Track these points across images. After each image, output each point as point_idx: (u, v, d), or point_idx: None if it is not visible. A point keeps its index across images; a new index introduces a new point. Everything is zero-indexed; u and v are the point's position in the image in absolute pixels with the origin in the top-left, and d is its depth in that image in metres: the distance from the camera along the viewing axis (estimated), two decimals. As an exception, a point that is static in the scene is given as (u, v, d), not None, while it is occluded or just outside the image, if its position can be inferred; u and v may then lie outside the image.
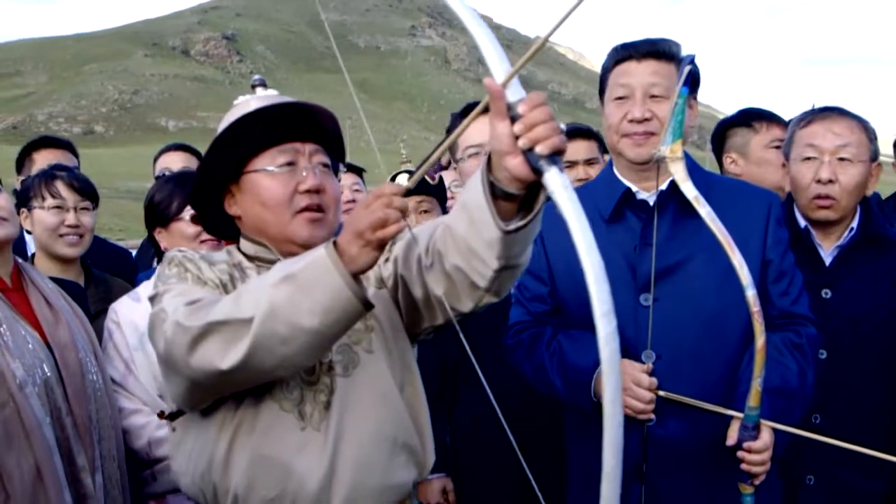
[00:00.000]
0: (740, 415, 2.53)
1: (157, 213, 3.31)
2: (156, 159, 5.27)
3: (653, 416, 2.66)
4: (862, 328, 3.15)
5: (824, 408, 3.03)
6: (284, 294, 1.89)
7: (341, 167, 3.39)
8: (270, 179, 2.23)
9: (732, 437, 2.57)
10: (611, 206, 2.82)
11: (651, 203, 2.80)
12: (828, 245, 3.26)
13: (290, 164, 2.24)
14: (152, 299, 2.17)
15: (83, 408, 2.85)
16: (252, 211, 2.26)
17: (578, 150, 4.13)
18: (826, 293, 3.15)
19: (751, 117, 4.21)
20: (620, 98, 2.80)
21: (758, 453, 2.55)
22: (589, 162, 4.08)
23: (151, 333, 2.14)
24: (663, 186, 2.77)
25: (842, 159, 3.19)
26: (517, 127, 1.63)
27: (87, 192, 3.73)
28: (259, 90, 2.36)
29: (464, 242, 1.91)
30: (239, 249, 2.34)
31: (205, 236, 3.23)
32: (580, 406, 2.75)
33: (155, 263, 3.60)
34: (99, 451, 2.87)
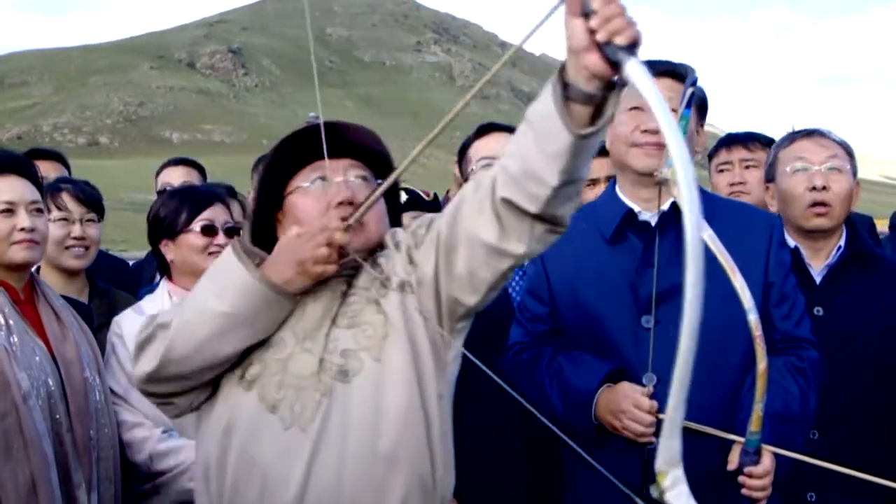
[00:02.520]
0: (741, 439, 2.53)
1: (164, 226, 3.32)
2: (157, 174, 5.27)
3: (653, 439, 2.65)
4: (855, 345, 3.16)
5: (821, 425, 3.03)
6: (198, 287, 2.23)
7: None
8: (305, 197, 2.28)
9: (733, 461, 2.56)
10: (612, 227, 2.82)
11: (653, 224, 2.80)
12: (817, 264, 3.29)
13: (322, 179, 2.26)
14: None
15: (84, 425, 2.84)
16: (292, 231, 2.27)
17: (601, 167, 4.11)
18: (818, 311, 3.17)
19: (745, 139, 4.32)
20: (634, 108, 2.80)
21: (759, 478, 2.54)
22: (609, 179, 4.07)
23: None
24: (665, 207, 2.77)
25: (832, 169, 3.26)
26: (594, 21, 1.62)
27: (93, 204, 3.75)
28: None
29: (518, 165, 1.87)
30: None
31: (213, 248, 3.25)
32: (580, 428, 2.75)
33: (158, 277, 3.60)
34: (97, 470, 2.86)
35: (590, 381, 2.70)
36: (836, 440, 3.02)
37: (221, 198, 3.44)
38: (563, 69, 1.76)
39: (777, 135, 3.93)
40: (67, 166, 4.89)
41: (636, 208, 2.85)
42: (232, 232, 3.34)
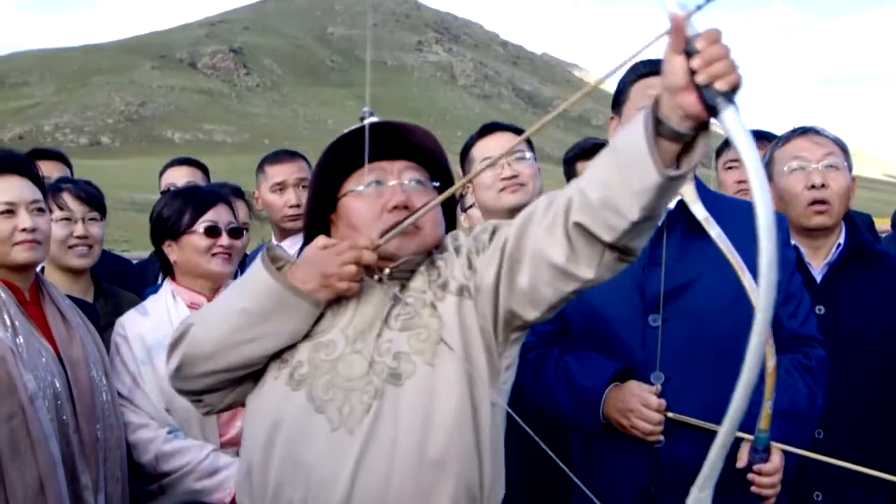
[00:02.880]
0: (750, 437, 2.52)
1: (168, 227, 3.31)
2: (161, 174, 5.26)
3: (661, 437, 2.65)
4: (859, 343, 3.17)
5: (826, 423, 3.01)
6: (228, 288, 2.29)
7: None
8: (358, 200, 2.24)
9: (743, 459, 2.56)
10: None
11: (660, 222, 2.80)
12: (817, 263, 3.30)
13: (377, 182, 2.23)
14: None
15: (91, 426, 2.84)
16: (345, 235, 2.25)
17: None
18: (819, 309, 3.16)
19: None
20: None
21: (768, 476, 2.54)
22: None
23: None
24: (671, 205, 2.77)
25: (829, 167, 3.27)
26: (695, 62, 1.58)
27: (95, 202, 3.74)
28: (367, 120, 2.30)
29: (598, 193, 1.82)
30: None
31: (217, 249, 3.24)
32: (587, 427, 2.74)
33: (160, 278, 3.60)
34: (103, 471, 2.86)
35: (597, 379, 2.70)
36: (841, 438, 3.02)
37: (225, 198, 3.43)
38: (656, 104, 1.71)
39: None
40: (69, 166, 4.88)
41: None
42: (236, 233, 3.33)
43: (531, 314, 2.09)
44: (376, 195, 2.23)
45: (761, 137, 4.30)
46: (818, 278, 3.28)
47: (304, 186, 4.60)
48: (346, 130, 2.26)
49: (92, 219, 3.70)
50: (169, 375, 2.36)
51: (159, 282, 3.63)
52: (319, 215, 2.34)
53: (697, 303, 2.71)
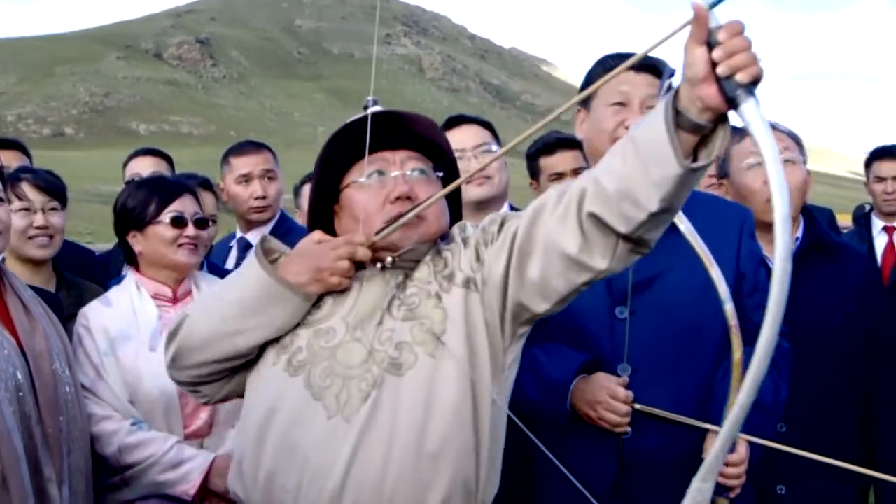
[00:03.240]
0: (717, 428, 2.53)
1: (133, 217, 3.27)
2: (125, 164, 5.21)
3: (629, 429, 2.66)
4: (819, 336, 3.19)
5: (789, 417, 3.04)
6: (223, 280, 2.30)
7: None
8: (361, 192, 2.23)
9: (709, 450, 2.57)
10: None
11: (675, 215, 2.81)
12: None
13: (379, 173, 2.22)
14: None
15: (54, 418, 2.80)
16: (348, 227, 2.26)
17: (566, 160, 4.11)
18: None
19: None
20: (618, 104, 2.80)
21: (734, 466, 2.56)
22: (577, 171, 4.06)
23: None
24: None
25: (786, 161, 3.26)
26: (717, 53, 1.58)
27: (55, 192, 3.69)
28: (371, 110, 2.28)
29: (615, 185, 1.81)
30: None
31: (183, 240, 3.21)
32: (555, 418, 2.74)
33: (125, 270, 3.56)
34: (67, 463, 2.82)
35: (565, 371, 2.70)
36: (804, 432, 3.04)
37: (191, 189, 3.40)
38: (676, 95, 1.71)
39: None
40: (29, 156, 4.83)
41: None
42: (202, 224, 3.30)
43: (541, 306, 2.09)
44: (379, 186, 2.22)
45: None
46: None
47: (270, 178, 4.59)
48: (348, 120, 2.24)
49: (52, 209, 3.65)
50: (166, 365, 2.38)
51: (124, 273, 3.60)
52: (323, 207, 2.34)
53: (665, 295, 2.72)
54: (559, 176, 4.02)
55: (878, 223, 6.30)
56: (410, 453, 2.03)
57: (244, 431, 2.23)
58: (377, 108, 2.25)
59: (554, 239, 1.96)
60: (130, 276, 3.34)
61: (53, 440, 2.78)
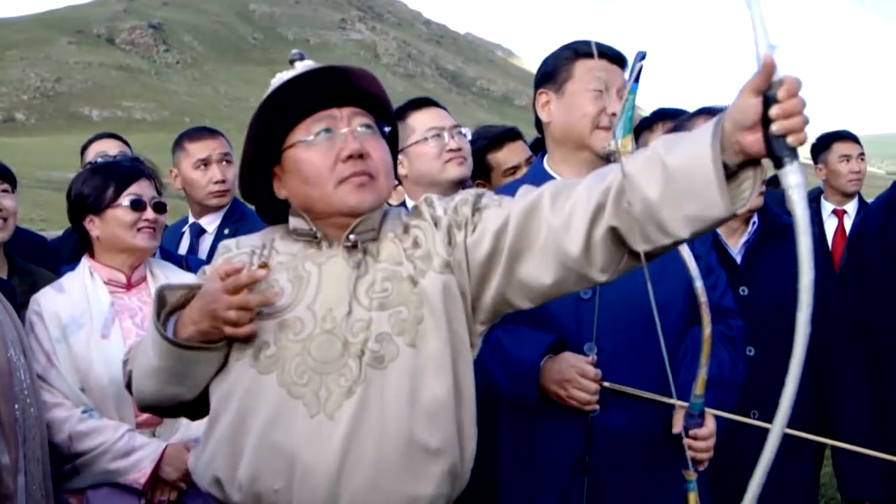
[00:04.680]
0: (684, 403, 2.57)
1: (90, 202, 3.21)
2: (84, 148, 5.11)
3: (597, 407, 2.68)
4: (782, 318, 3.21)
5: (761, 403, 3.08)
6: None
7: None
8: (309, 151, 2.11)
9: (678, 424, 2.61)
10: None
11: None
12: (734, 242, 3.33)
13: (327, 130, 2.11)
14: None
15: (9, 406, 2.75)
16: (298, 190, 2.14)
17: (517, 152, 4.07)
18: (743, 290, 3.20)
19: (656, 117, 4.22)
20: (598, 90, 2.83)
21: (703, 440, 2.60)
22: (529, 161, 4.00)
23: None
24: None
25: None
26: (774, 110, 1.55)
27: (4, 175, 3.62)
28: (298, 64, 2.17)
29: (642, 206, 1.75)
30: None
31: (142, 223, 3.17)
32: (524, 400, 2.76)
33: (85, 259, 3.51)
34: (23, 451, 2.78)
35: (532, 352, 2.71)
36: (771, 411, 3.07)
37: (146, 173, 3.35)
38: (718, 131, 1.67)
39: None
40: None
41: None
42: (160, 207, 3.26)
43: (525, 304, 2.06)
44: (328, 144, 2.10)
45: (667, 115, 4.22)
46: (738, 259, 3.32)
47: (227, 161, 4.53)
48: (285, 78, 2.13)
49: (3, 191, 3.59)
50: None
51: (78, 260, 3.55)
52: (259, 172, 2.21)
53: (628, 275, 2.74)
54: (514, 170, 3.98)
55: (827, 206, 6.33)
56: (401, 447, 1.98)
57: (212, 430, 2.11)
58: (309, 63, 2.17)
59: (554, 245, 1.91)
60: (84, 262, 3.28)
61: (9, 429, 2.73)
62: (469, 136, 3.67)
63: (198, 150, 4.53)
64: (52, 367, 3.08)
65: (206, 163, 4.49)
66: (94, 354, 3.08)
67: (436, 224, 2.11)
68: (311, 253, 2.16)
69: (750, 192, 1.69)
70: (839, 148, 6.27)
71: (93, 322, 3.12)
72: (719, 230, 3.33)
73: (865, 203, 6.19)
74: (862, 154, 6.34)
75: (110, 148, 4.91)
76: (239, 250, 2.22)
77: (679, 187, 1.70)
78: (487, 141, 4.09)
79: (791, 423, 3.00)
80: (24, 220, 4.12)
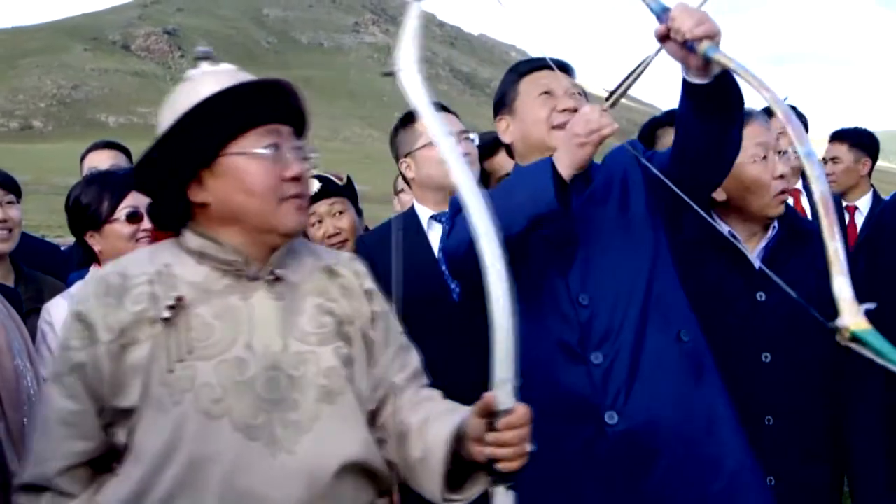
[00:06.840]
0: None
1: (88, 217, 3.19)
2: (83, 158, 5.10)
3: (616, 124, 2.59)
4: (799, 325, 3.15)
5: (776, 409, 3.03)
6: None
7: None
8: (256, 164, 2.02)
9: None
10: None
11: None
12: (752, 247, 3.24)
13: (275, 146, 2.04)
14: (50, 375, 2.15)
15: (17, 413, 2.76)
16: (232, 198, 2.03)
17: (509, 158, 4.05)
18: (760, 296, 3.13)
19: (670, 117, 4.18)
20: (545, 94, 2.87)
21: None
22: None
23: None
24: None
25: (779, 152, 3.23)
26: (490, 437, 1.82)
27: (9, 185, 3.64)
28: (205, 64, 2.12)
29: (405, 473, 2.11)
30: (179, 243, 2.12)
31: (140, 234, 3.15)
32: (543, 198, 2.58)
33: (92, 269, 3.50)
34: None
35: (538, 165, 2.66)
36: (792, 420, 3.02)
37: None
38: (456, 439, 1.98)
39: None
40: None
41: None
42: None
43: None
44: (273, 160, 2.04)
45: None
46: (756, 264, 3.25)
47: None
48: (237, 82, 2.04)
49: (9, 202, 3.60)
50: None
51: (86, 269, 3.54)
52: (183, 165, 2.05)
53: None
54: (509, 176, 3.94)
55: (837, 203, 6.32)
56: (359, 467, 2.04)
57: (148, 480, 1.93)
58: (227, 66, 2.14)
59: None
60: (92, 272, 3.27)
61: (17, 435, 2.74)
62: (477, 141, 3.65)
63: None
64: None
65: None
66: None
67: (368, 297, 2.23)
68: (228, 283, 2.07)
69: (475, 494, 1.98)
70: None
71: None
72: (738, 234, 3.23)
73: (880, 198, 6.15)
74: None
75: (102, 161, 4.88)
76: (134, 281, 2.05)
77: (426, 465, 2.02)
78: (481, 148, 4.02)
79: (804, 427, 2.98)
80: (42, 226, 4.14)
